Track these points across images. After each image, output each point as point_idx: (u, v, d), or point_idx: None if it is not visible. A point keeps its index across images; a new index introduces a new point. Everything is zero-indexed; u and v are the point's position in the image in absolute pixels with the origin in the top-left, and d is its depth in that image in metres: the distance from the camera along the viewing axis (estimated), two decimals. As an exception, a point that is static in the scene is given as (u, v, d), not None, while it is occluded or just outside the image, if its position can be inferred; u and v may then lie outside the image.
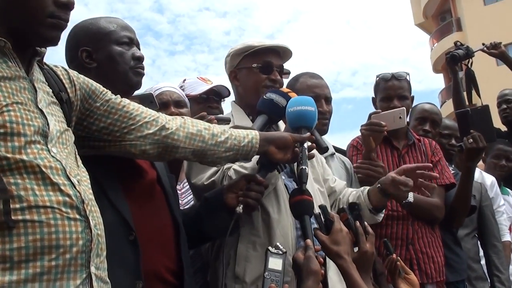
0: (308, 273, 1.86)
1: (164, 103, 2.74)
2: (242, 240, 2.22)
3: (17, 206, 1.32)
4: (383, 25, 67.84)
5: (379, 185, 2.46)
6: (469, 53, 4.23)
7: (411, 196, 3.05)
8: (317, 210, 2.12)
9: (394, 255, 2.31)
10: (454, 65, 4.21)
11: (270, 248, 1.95)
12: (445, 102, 26.69)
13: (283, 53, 2.58)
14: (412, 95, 3.40)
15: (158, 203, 2.02)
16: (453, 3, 31.00)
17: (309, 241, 1.96)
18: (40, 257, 1.32)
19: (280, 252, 1.94)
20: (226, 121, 2.45)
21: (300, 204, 2.08)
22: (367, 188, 2.54)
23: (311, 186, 2.41)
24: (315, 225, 2.11)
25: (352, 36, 68.67)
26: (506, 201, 4.30)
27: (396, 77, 3.32)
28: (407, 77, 3.36)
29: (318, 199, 2.39)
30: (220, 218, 2.10)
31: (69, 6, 1.57)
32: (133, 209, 1.86)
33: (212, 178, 2.25)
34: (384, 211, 2.57)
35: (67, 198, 1.39)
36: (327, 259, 2.25)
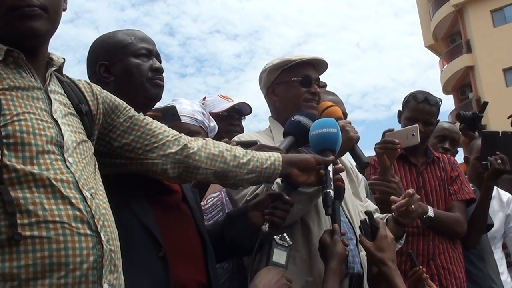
0: (333, 255, 1.95)
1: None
2: None
3: (25, 221, 1.28)
4: (393, 47, 68.05)
5: (393, 216, 2.48)
6: (474, 116, 4.32)
7: (431, 211, 3.06)
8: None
9: (420, 267, 2.31)
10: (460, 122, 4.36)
11: (276, 238, 1.94)
12: (455, 123, 26.59)
13: (318, 66, 2.57)
14: (438, 119, 3.41)
15: (185, 218, 2.00)
16: (462, 25, 31.09)
17: (336, 225, 2.03)
18: (49, 274, 1.27)
19: (286, 245, 1.93)
20: (251, 145, 2.33)
21: (335, 189, 2.07)
22: (388, 215, 2.56)
23: (351, 201, 2.43)
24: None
25: (362, 59, 68.89)
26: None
27: (429, 101, 3.27)
28: (439, 103, 3.33)
29: (359, 215, 2.41)
30: (243, 237, 2.07)
31: None
32: (161, 224, 1.84)
33: (256, 192, 2.21)
34: (403, 238, 2.57)
35: (77, 212, 1.35)
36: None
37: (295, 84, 2.49)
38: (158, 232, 1.81)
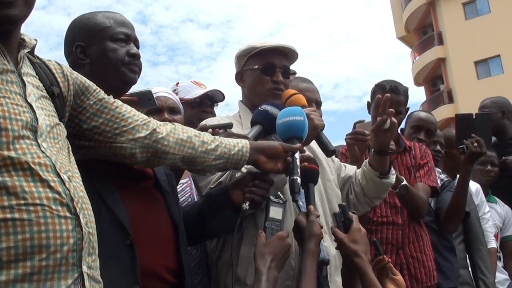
0: (310, 236, 1.97)
1: (158, 109, 2.65)
2: (245, 243, 2.20)
3: (6, 204, 1.28)
4: (365, 38, 68.64)
5: (372, 149, 2.55)
6: None
7: (405, 181, 3.09)
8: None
9: (384, 256, 2.33)
10: None
11: (271, 197, 1.99)
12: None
13: (289, 54, 2.55)
14: (407, 107, 3.41)
15: (156, 203, 2.00)
16: (434, 17, 31.40)
17: (311, 207, 2.05)
18: (30, 256, 1.28)
19: (281, 202, 1.99)
20: (227, 127, 2.37)
21: (309, 172, 2.11)
22: (367, 160, 2.62)
23: (319, 191, 2.43)
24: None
25: (334, 49, 69.27)
26: (493, 209, 4.31)
27: (394, 90, 3.25)
28: (407, 91, 3.33)
29: (335, 200, 2.43)
30: (224, 215, 2.09)
31: None
32: (130, 211, 1.84)
33: (220, 180, 2.23)
34: (392, 171, 2.62)
35: (57, 195, 1.35)
36: (330, 261, 2.28)
37: (257, 72, 2.49)
38: (126, 219, 1.81)
